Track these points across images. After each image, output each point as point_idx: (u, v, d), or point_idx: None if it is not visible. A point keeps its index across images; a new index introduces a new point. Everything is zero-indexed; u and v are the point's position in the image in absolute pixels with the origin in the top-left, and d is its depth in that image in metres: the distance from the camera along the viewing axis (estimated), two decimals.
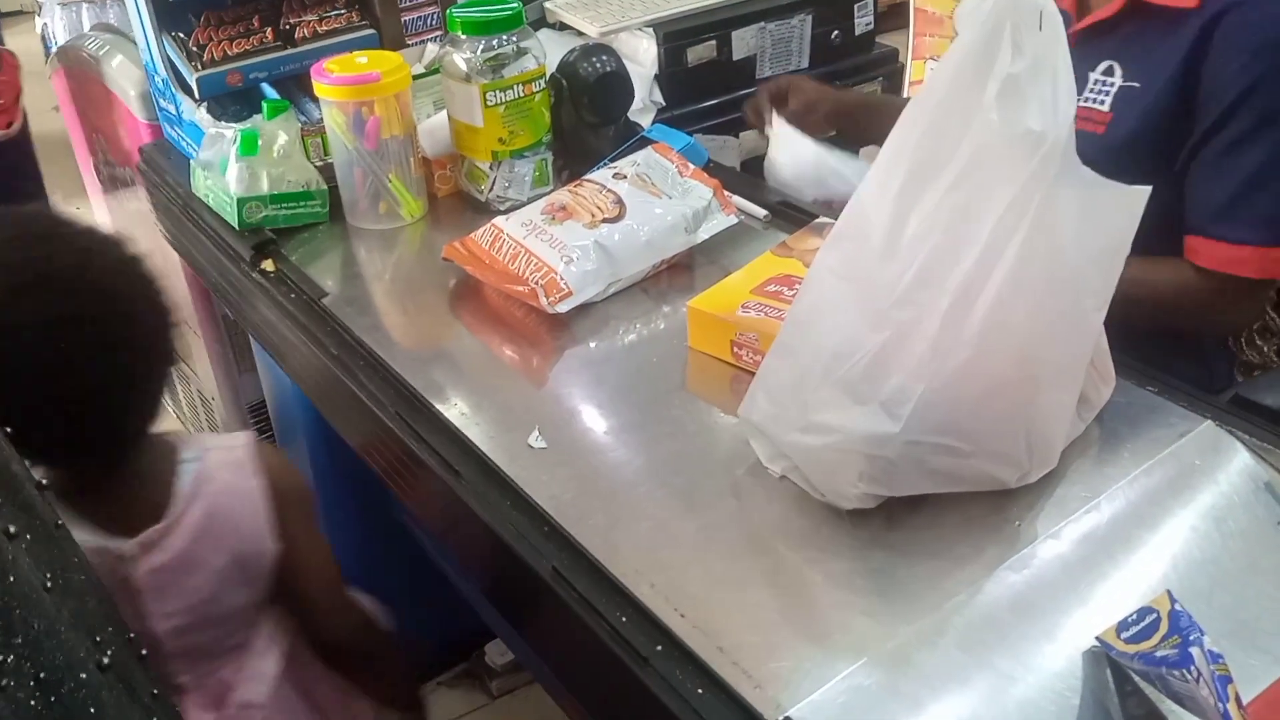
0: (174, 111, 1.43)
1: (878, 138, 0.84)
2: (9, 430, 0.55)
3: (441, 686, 1.79)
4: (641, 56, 1.52)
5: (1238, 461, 0.84)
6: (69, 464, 0.89)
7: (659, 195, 1.14)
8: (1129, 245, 0.71)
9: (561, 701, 1.06)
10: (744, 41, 1.59)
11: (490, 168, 1.26)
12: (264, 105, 1.27)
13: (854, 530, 0.79)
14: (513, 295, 1.06)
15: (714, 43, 1.56)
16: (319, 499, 1.58)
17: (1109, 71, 1.08)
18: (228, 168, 1.23)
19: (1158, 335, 1.14)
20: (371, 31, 1.42)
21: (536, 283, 1.04)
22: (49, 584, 0.48)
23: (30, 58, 2.34)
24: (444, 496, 0.88)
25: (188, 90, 1.36)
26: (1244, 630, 0.73)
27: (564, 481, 0.84)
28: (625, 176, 1.16)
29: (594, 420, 0.93)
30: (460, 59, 1.21)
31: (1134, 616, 0.69)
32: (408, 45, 1.46)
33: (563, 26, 1.61)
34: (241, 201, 1.22)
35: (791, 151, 1.34)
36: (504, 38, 1.21)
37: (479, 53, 1.21)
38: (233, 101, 1.40)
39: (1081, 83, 1.10)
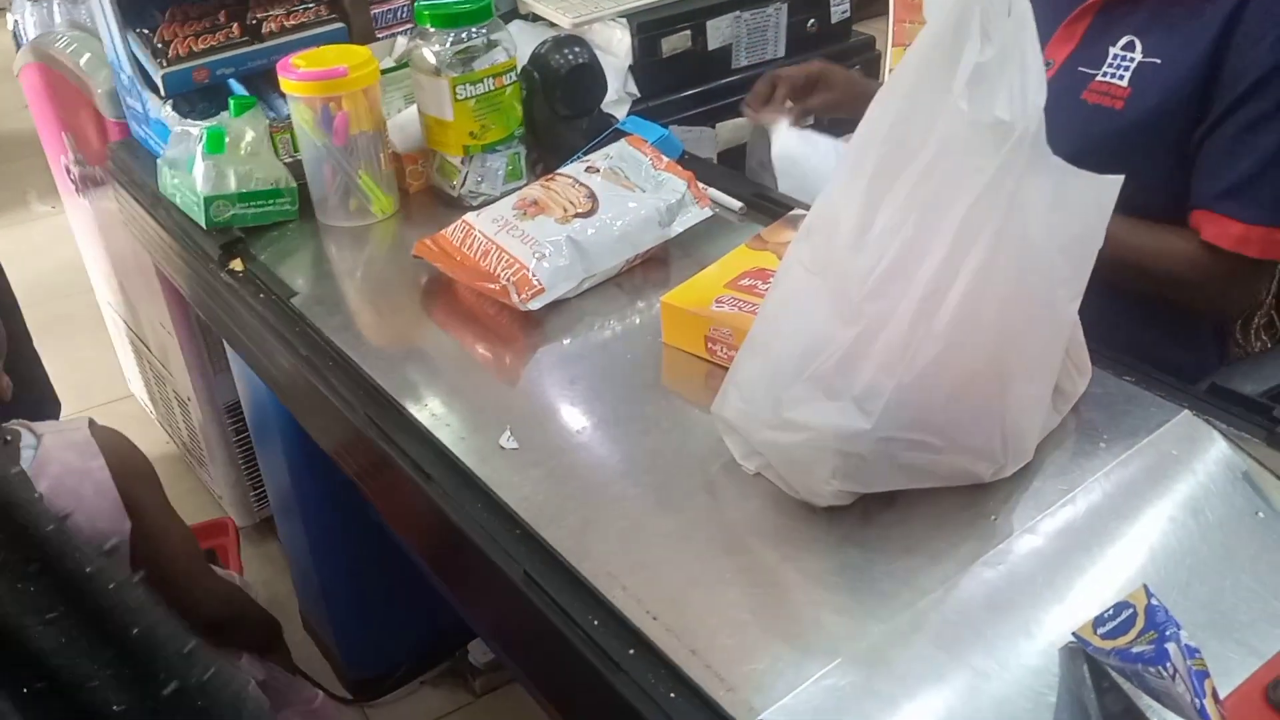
0: (140, 109, 1.40)
1: None
2: None
3: (425, 685, 1.78)
4: (615, 47, 1.51)
5: (1215, 451, 0.83)
6: None
7: (632, 189, 1.13)
8: (1102, 235, 0.70)
9: (541, 702, 1.05)
10: (719, 31, 1.58)
11: (462, 162, 1.25)
12: (231, 102, 1.24)
13: (828, 527, 0.78)
14: (484, 293, 1.05)
15: (688, 33, 1.55)
16: (296, 499, 1.59)
17: (1129, 47, 1.06)
18: (194, 166, 1.21)
19: (1150, 322, 1.13)
20: (340, 25, 1.40)
21: (508, 280, 1.02)
22: None
23: (1, 54, 2.30)
24: (414, 500, 0.87)
25: (153, 87, 1.34)
26: (1222, 622, 0.72)
27: (536, 482, 0.83)
28: (598, 170, 1.15)
29: (567, 419, 0.92)
30: (429, 52, 1.19)
31: (1110, 611, 0.68)
32: (378, 39, 1.44)
33: (535, 18, 1.59)
34: (209, 200, 1.20)
35: (808, 151, 1.25)
36: (473, 30, 1.19)
37: (448, 46, 1.19)
38: (200, 98, 1.37)
39: (1100, 57, 1.08)
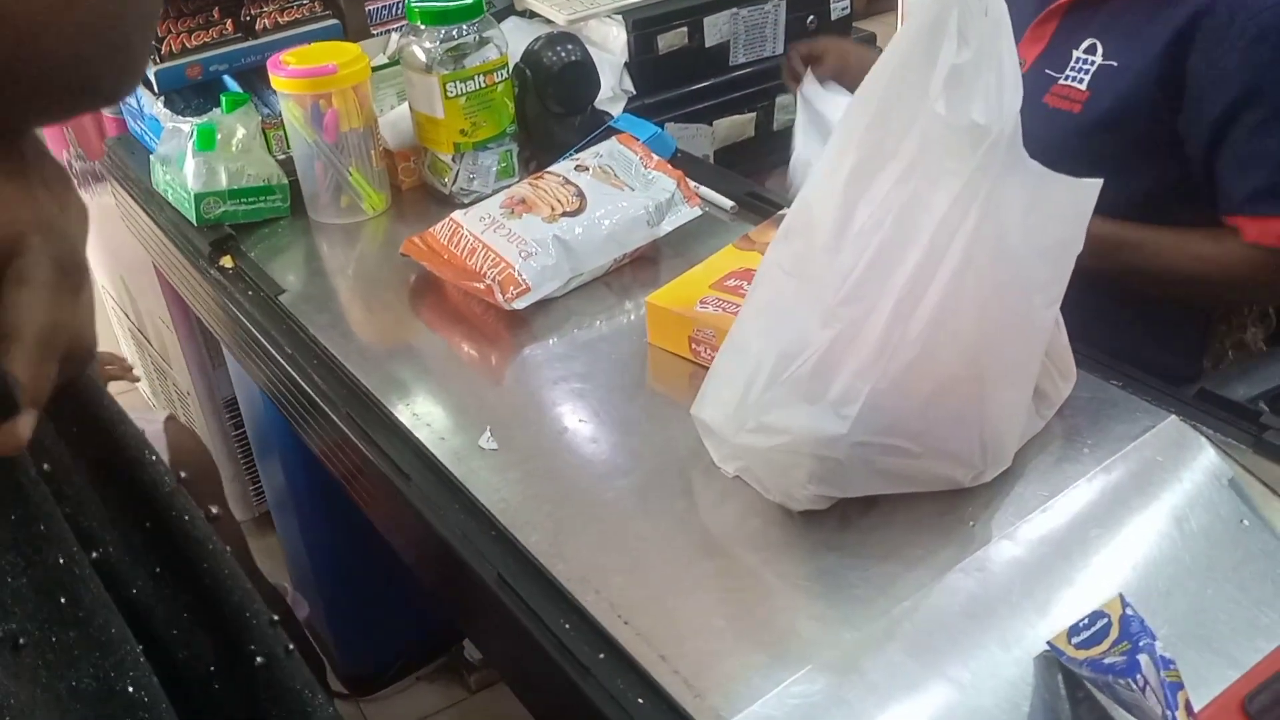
0: (136, 105, 1.41)
1: None
2: None
3: (420, 681, 1.78)
4: (611, 44, 1.50)
5: (1201, 458, 0.82)
6: None
7: (621, 187, 1.12)
8: (1081, 240, 0.69)
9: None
10: (716, 28, 1.57)
11: (453, 160, 1.24)
12: (222, 99, 1.24)
13: (805, 532, 0.77)
14: (471, 292, 1.04)
15: (685, 29, 1.54)
16: (291, 496, 1.59)
17: (1091, 49, 1.06)
18: (185, 163, 1.21)
19: (1133, 324, 1.12)
20: (334, 21, 1.40)
21: (493, 279, 1.02)
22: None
23: None
24: (394, 500, 0.86)
25: (147, 83, 1.34)
26: (1202, 632, 0.71)
27: (513, 484, 0.83)
28: (587, 169, 1.14)
29: (548, 420, 0.91)
30: (420, 49, 1.19)
31: (1085, 621, 0.68)
32: (372, 35, 1.44)
33: (531, 14, 1.58)
34: (199, 197, 1.20)
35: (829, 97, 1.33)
36: (464, 27, 1.19)
37: (439, 43, 1.18)
38: (195, 94, 1.37)
39: (1064, 60, 1.08)
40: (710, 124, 1.60)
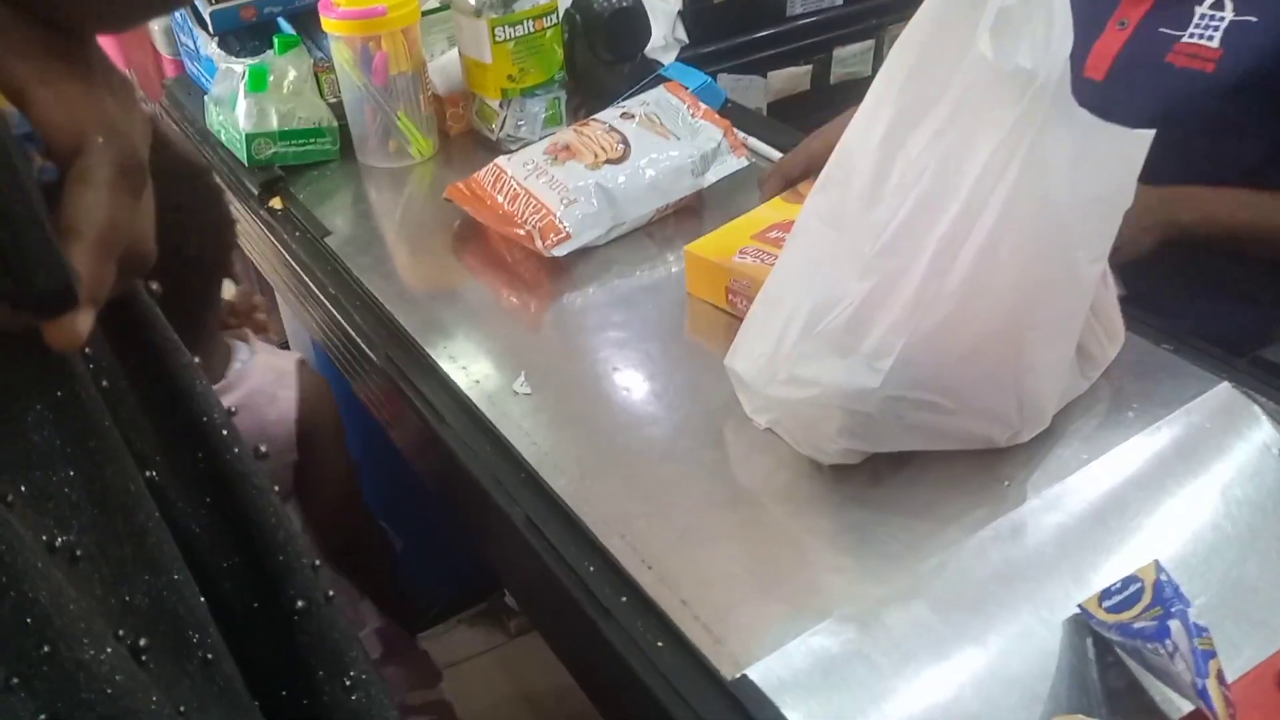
0: (193, 46, 1.42)
1: None
2: None
3: (461, 624, 1.81)
4: None
5: (1251, 426, 0.79)
6: None
7: (666, 136, 1.11)
8: (1131, 194, 0.66)
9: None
10: None
11: (500, 106, 1.24)
12: (275, 40, 1.25)
13: (835, 486, 0.76)
14: (511, 238, 1.04)
15: None
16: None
17: (1218, 5, 1.00)
18: (237, 104, 1.22)
19: (1210, 283, 1.07)
20: None
21: (534, 225, 1.02)
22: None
23: None
24: (428, 441, 0.87)
25: (204, 24, 1.35)
26: (1239, 603, 0.69)
27: (544, 428, 0.83)
28: (633, 116, 1.13)
29: (582, 367, 0.91)
30: None
31: (1118, 585, 0.66)
32: None
33: None
34: (250, 138, 1.21)
35: None
36: None
37: None
38: (250, 36, 1.38)
39: (1185, 18, 1.02)
40: (764, 75, 1.57)
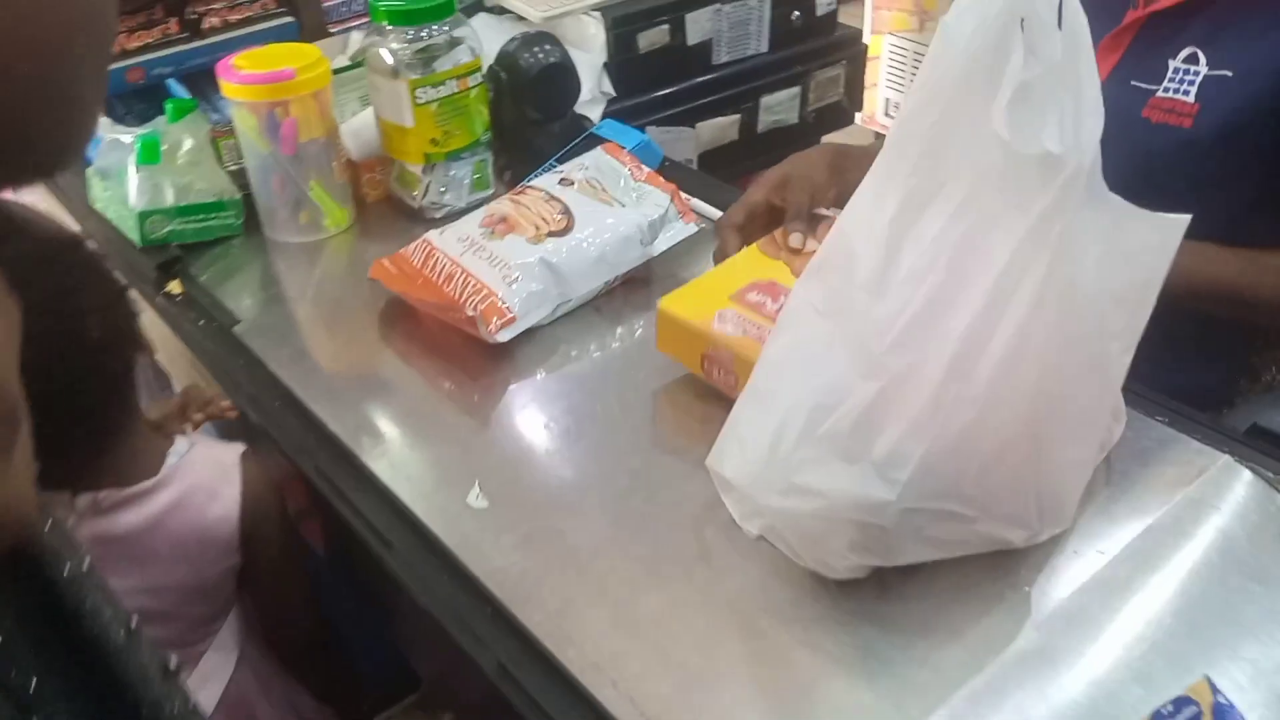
0: None
1: None
2: None
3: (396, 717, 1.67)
4: (589, 43, 1.41)
5: (1262, 501, 0.75)
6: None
7: (610, 203, 1.03)
8: (1161, 280, 0.61)
9: None
10: (699, 25, 1.48)
11: (423, 171, 1.14)
12: (167, 106, 1.13)
13: (841, 600, 0.69)
14: (450, 322, 0.95)
15: (667, 27, 1.45)
16: None
17: (1192, 59, 0.97)
18: (127, 177, 1.10)
19: (1168, 339, 1.04)
20: (290, 19, 1.29)
21: (475, 308, 0.92)
22: None
23: None
24: (372, 565, 0.77)
25: None
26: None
27: (509, 551, 0.73)
28: (573, 182, 1.05)
29: (543, 471, 0.82)
30: (386, 52, 1.09)
31: (1170, 708, 0.60)
32: (330, 34, 1.33)
33: (501, 10, 1.48)
34: (143, 215, 1.09)
35: None
36: (434, 28, 1.09)
37: (407, 44, 1.08)
38: (137, 101, 1.26)
39: (1158, 72, 0.98)
40: (693, 126, 1.51)
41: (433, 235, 1.01)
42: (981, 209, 0.59)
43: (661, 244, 1.03)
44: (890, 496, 0.62)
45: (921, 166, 0.60)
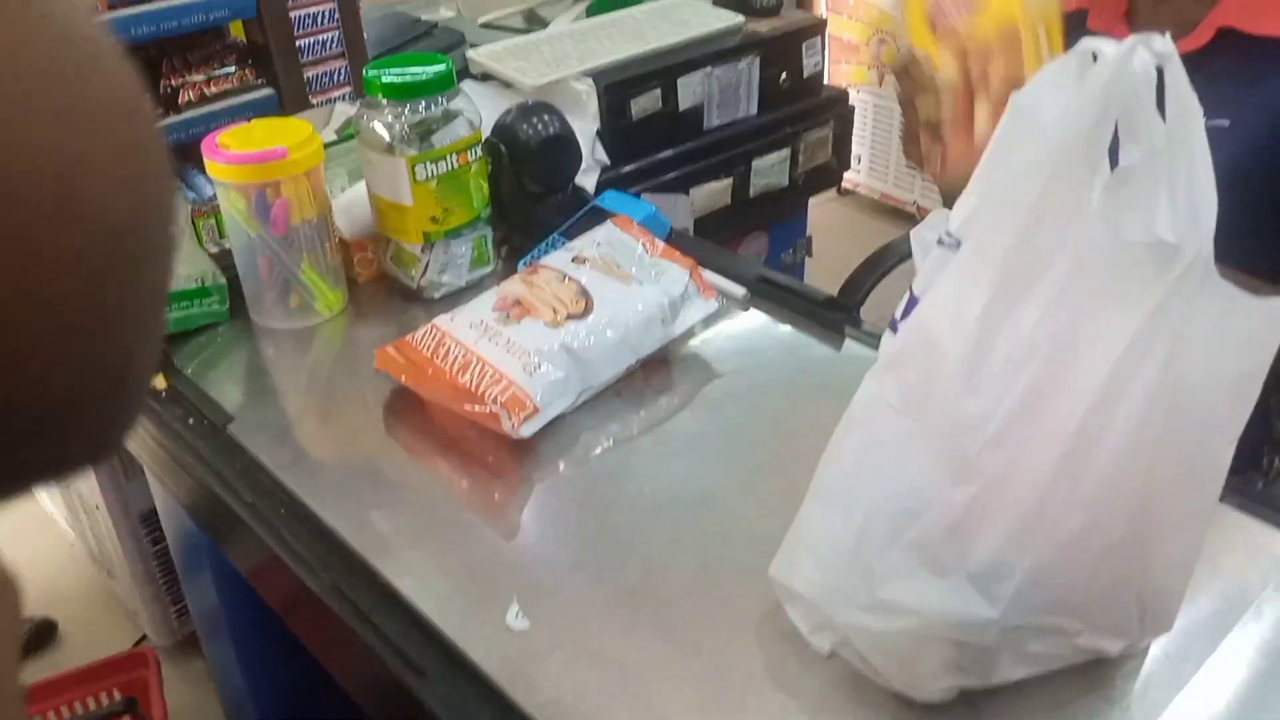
0: None
1: None
2: None
3: None
4: (581, 110, 1.36)
5: None
6: None
7: (628, 281, 0.98)
8: (1266, 370, 0.57)
9: None
10: (690, 90, 1.45)
11: (422, 250, 1.08)
12: None
13: None
14: (468, 416, 0.88)
15: (659, 92, 1.41)
16: (225, 618, 1.38)
17: None
18: None
19: None
20: (269, 92, 1.23)
21: (496, 400, 0.86)
22: None
23: None
24: (401, 699, 0.69)
25: None
26: None
27: (559, 678, 0.67)
28: (586, 260, 0.99)
29: (585, 582, 0.76)
30: (380, 126, 1.03)
31: None
32: (312, 105, 1.27)
33: (486, 77, 1.43)
34: None
35: None
36: (432, 101, 1.03)
37: (403, 118, 1.03)
38: None
39: None
40: (687, 193, 1.47)
41: (441, 320, 0.95)
42: (1083, 299, 0.55)
43: (682, 324, 0.98)
44: (994, 614, 0.57)
45: (1011, 257, 0.55)
